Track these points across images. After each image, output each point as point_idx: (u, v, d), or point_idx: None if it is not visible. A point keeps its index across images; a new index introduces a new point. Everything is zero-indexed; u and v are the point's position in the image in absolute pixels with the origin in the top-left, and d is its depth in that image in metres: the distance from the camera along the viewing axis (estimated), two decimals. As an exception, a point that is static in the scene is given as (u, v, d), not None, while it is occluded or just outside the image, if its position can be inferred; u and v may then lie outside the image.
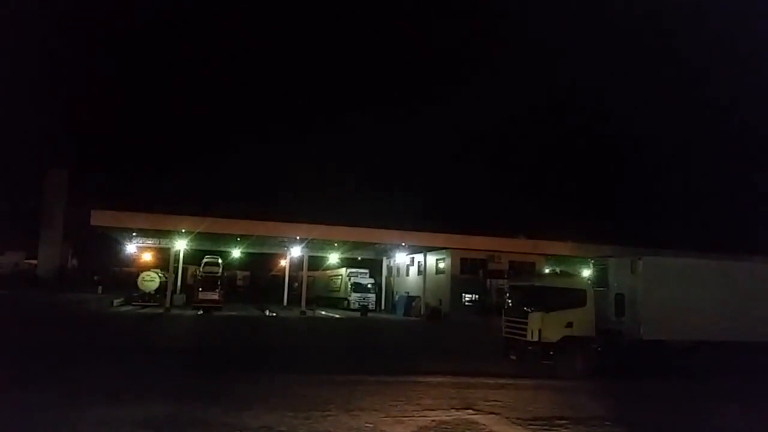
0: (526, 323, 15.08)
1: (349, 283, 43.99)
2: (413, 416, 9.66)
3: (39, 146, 76.65)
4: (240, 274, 62.04)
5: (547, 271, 30.14)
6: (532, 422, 9.67)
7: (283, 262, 44.09)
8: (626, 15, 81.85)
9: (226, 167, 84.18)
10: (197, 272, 40.34)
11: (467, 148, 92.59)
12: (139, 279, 38.97)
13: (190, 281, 46.05)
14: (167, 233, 37.50)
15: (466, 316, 37.19)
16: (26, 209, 58.29)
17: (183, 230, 35.60)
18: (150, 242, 43.46)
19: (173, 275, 40.31)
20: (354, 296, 42.57)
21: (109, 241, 44.39)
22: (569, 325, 15.08)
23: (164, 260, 42.76)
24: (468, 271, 41.27)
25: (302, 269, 43.12)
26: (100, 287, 42.85)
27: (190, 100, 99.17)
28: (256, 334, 24.60)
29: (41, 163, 60.15)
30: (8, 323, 21.96)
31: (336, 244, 42.64)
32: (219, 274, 37.60)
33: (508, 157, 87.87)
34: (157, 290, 38.68)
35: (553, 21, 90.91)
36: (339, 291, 46.29)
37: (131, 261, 48.07)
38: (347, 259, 49.06)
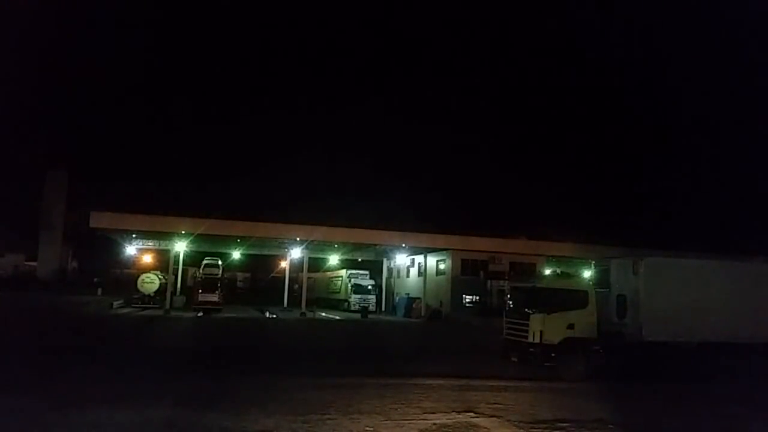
0: (527, 325, 14.99)
1: (349, 285, 43.86)
2: (414, 419, 9.57)
3: (39, 147, 76.59)
4: (240, 275, 61.97)
5: (548, 272, 30.01)
6: (533, 425, 9.59)
7: (284, 264, 43.96)
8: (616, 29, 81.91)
9: (226, 168, 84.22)
10: (197, 274, 40.26)
11: (468, 149, 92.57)
12: (139, 281, 38.85)
13: (190, 283, 45.99)
14: (167, 235, 37.46)
15: (467, 317, 37.06)
16: (26, 211, 58.33)
17: (183, 232, 35.58)
18: (150, 244, 43.43)
19: (173, 277, 40.26)
20: (354, 298, 42.43)
21: (109, 243, 44.32)
22: (571, 326, 14.99)
23: (164, 262, 42.72)
24: (468, 273, 41.15)
25: (302, 271, 43.03)
26: (99, 289, 42.86)
27: (189, 100, 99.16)
28: (255, 336, 24.50)
29: (41, 164, 60.09)
30: (7, 325, 21.86)
31: (336, 246, 42.54)
32: (219, 276, 37.56)
33: (508, 158, 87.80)
34: (156, 292, 38.57)
35: (550, 23, 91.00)
36: (339, 292, 46.17)
37: (131, 263, 48.01)
38: (347, 260, 48.97)
